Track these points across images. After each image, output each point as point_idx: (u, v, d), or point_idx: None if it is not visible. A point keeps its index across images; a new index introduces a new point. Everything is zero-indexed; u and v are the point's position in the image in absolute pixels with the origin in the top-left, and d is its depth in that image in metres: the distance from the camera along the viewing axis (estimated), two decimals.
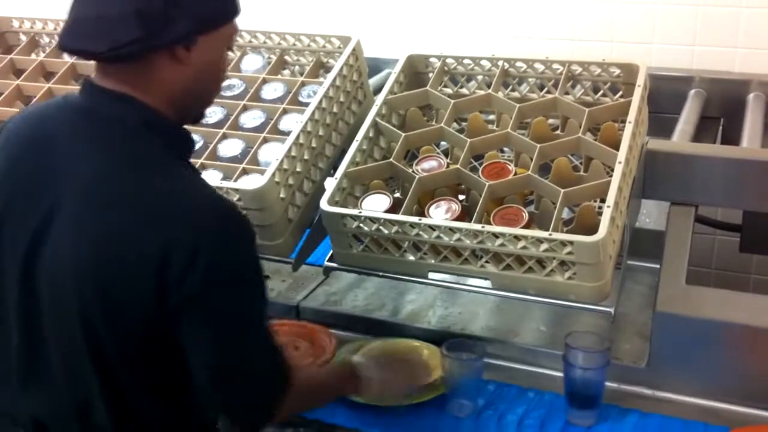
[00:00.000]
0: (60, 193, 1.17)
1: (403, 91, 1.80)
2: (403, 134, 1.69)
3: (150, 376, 1.21)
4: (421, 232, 1.49)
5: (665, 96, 1.93)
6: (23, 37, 2.10)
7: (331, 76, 1.77)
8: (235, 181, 1.63)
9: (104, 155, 1.18)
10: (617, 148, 1.52)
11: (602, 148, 1.57)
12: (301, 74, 1.91)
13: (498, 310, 1.80)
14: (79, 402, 1.20)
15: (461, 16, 2.30)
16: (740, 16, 2.07)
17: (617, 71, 1.71)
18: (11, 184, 1.23)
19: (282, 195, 1.62)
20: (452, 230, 1.46)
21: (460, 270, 1.51)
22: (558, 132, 1.72)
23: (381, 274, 1.60)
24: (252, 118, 1.78)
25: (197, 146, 1.72)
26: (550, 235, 1.40)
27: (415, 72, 1.85)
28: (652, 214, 1.95)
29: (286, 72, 1.96)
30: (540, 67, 1.76)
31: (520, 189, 1.57)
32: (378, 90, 1.83)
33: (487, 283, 1.51)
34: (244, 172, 1.66)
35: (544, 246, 1.41)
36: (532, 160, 1.57)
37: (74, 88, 1.82)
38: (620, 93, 1.72)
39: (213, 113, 1.81)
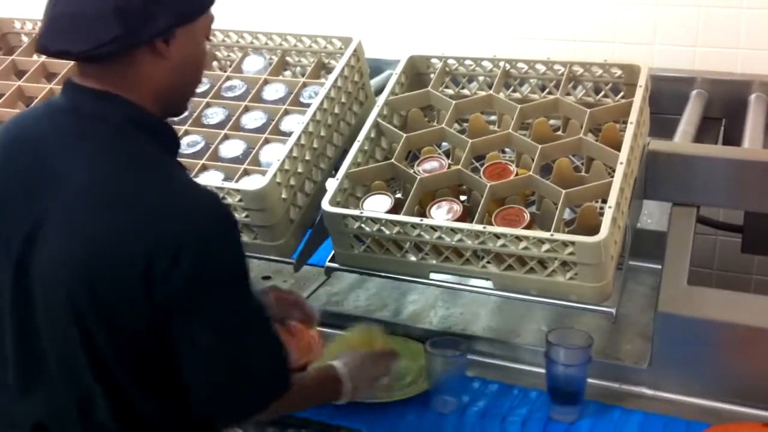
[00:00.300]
0: (54, 194, 1.17)
1: (405, 92, 1.80)
2: (405, 135, 1.69)
3: (148, 374, 1.20)
4: (422, 233, 1.49)
5: (667, 97, 1.93)
6: (25, 39, 2.10)
7: (332, 77, 1.77)
8: (237, 181, 1.63)
9: (98, 154, 1.18)
10: (619, 148, 1.52)
11: (604, 149, 1.57)
12: (303, 75, 1.91)
13: (499, 311, 1.80)
14: (79, 402, 1.20)
15: (463, 16, 2.30)
16: (742, 17, 2.06)
17: (619, 72, 1.71)
18: (2, 186, 1.23)
19: (283, 195, 1.62)
20: (454, 231, 1.46)
21: (461, 270, 1.51)
22: (559, 133, 1.72)
23: (382, 274, 1.60)
24: (253, 119, 1.78)
25: (198, 147, 1.74)
26: (551, 235, 1.40)
27: (417, 73, 1.85)
28: (653, 215, 1.95)
29: (288, 73, 1.96)
30: (541, 67, 1.77)
31: (521, 190, 1.57)
32: (379, 91, 1.83)
33: (488, 284, 1.51)
34: (246, 172, 1.66)
35: (546, 246, 1.41)
36: (533, 160, 1.57)
37: None
38: (622, 94, 1.72)
39: (214, 114, 1.81)
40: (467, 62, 1.82)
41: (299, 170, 1.66)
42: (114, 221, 1.13)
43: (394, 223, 1.50)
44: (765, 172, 1.57)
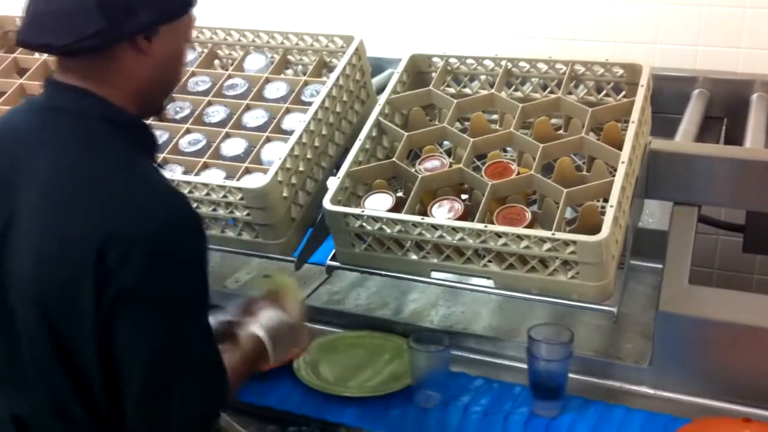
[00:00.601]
0: (22, 192, 1.17)
1: (406, 91, 1.80)
2: (406, 134, 1.69)
3: (109, 374, 1.17)
4: (423, 232, 1.49)
5: (668, 96, 1.93)
6: None
7: (334, 75, 1.77)
8: (238, 180, 1.63)
9: (68, 150, 1.18)
10: (620, 148, 1.52)
11: (605, 148, 1.57)
12: (304, 74, 1.91)
13: (500, 310, 1.80)
14: (53, 400, 1.19)
15: (464, 15, 2.30)
16: (744, 17, 2.06)
17: (620, 71, 1.71)
18: None
19: (285, 194, 1.62)
20: (455, 230, 1.46)
21: (462, 269, 1.51)
22: (561, 132, 1.72)
23: (384, 273, 1.61)
24: (255, 118, 1.78)
25: (200, 145, 1.74)
26: (552, 234, 1.40)
27: (418, 71, 1.85)
28: (655, 214, 1.95)
29: (289, 71, 1.96)
30: (543, 66, 1.77)
31: (522, 189, 1.57)
32: (381, 89, 1.83)
33: (489, 283, 1.51)
34: (247, 171, 1.66)
35: (547, 245, 1.41)
36: (534, 159, 1.57)
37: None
38: (623, 93, 1.72)
39: (216, 112, 1.81)
40: (469, 61, 1.82)
41: (300, 169, 1.66)
42: (70, 216, 1.13)
43: (396, 221, 1.50)
44: (766, 171, 1.57)
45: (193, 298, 1.16)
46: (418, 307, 1.83)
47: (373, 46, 1.91)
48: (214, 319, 1.31)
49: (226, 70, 1.94)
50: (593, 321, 1.72)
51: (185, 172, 1.68)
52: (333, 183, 1.60)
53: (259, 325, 1.37)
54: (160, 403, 1.16)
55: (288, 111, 1.77)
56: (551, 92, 1.75)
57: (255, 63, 1.93)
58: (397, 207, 1.57)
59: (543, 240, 1.41)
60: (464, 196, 1.63)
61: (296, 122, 1.71)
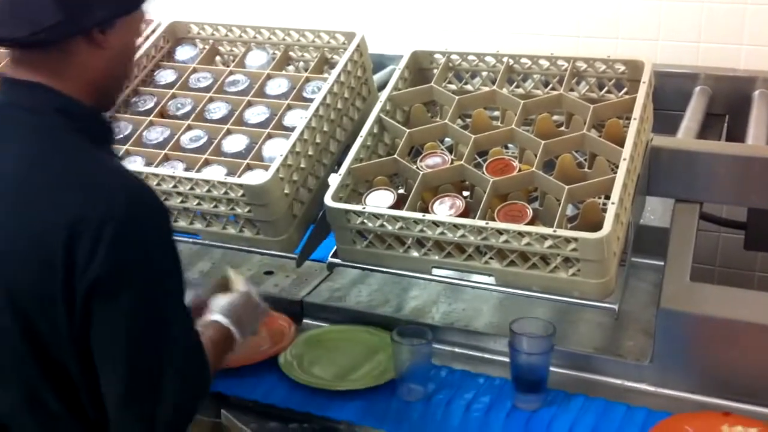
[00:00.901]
0: None
1: (408, 88, 1.80)
2: (408, 130, 1.69)
3: (87, 364, 1.17)
4: (425, 229, 1.49)
5: (670, 93, 1.93)
6: None
7: (335, 72, 1.77)
8: (239, 176, 1.63)
9: (25, 146, 1.18)
10: (622, 144, 1.52)
11: (607, 145, 1.56)
12: (306, 70, 1.90)
13: (502, 307, 1.80)
14: (28, 395, 1.19)
15: (466, 12, 2.30)
16: (746, 13, 2.06)
17: (622, 68, 1.71)
18: None
19: (286, 191, 1.62)
20: (456, 226, 1.46)
21: (464, 266, 1.51)
22: (563, 128, 1.71)
23: (385, 270, 1.61)
24: (256, 114, 1.78)
25: (201, 142, 1.74)
26: (554, 231, 1.40)
27: (420, 68, 1.85)
28: (656, 211, 1.95)
29: (291, 68, 1.95)
30: (545, 63, 1.76)
31: (524, 185, 1.57)
32: (382, 86, 1.83)
33: (491, 280, 1.51)
34: (248, 167, 1.66)
35: (549, 242, 1.41)
36: (536, 156, 1.57)
37: None
38: (625, 90, 1.72)
39: (217, 109, 1.81)
40: (470, 58, 1.82)
41: (302, 165, 1.66)
42: (35, 209, 1.14)
43: (397, 218, 1.50)
44: None
45: (165, 280, 1.17)
46: (419, 304, 1.83)
47: (374, 42, 1.90)
48: None
49: (228, 66, 1.94)
50: (594, 318, 1.72)
51: (187, 169, 1.68)
52: (334, 180, 1.60)
53: (214, 311, 1.38)
54: (147, 395, 1.16)
55: (289, 107, 1.77)
56: (553, 89, 1.75)
57: (256, 59, 1.93)
58: (398, 204, 1.57)
59: (544, 237, 1.41)
60: (465, 193, 1.62)
61: (298, 119, 1.71)
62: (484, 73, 1.81)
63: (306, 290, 1.88)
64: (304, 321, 1.81)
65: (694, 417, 1.44)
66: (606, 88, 1.73)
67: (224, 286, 1.47)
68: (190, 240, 1.76)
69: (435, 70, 1.82)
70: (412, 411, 1.51)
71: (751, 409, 1.47)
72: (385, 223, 1.51)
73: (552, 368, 1.59)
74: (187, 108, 1.83)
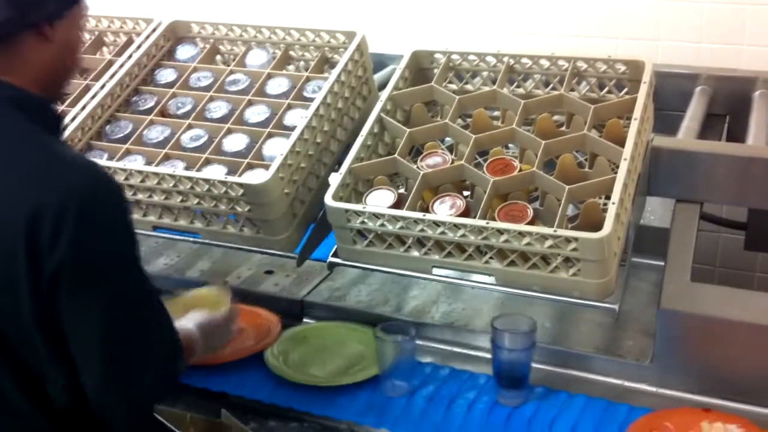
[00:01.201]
0: None
1: (408, 87, 1.80)
2: (408, 130, 1.69)
3: (55, 351, 1.19)
4: (425, 228, 1.49)
5: (671, 93, 1.93)
6: None
7: (335, 71, 1.77)
8: (240, 176, 1.63)
9: None
10: (622, 144, 1.52)
11: (607, 145, 1.56)
12: (306, 69, 1.90)
13: (502, 307, 1.80)
14: None
15: (466, 12, 2.30)
16: (746, 13, 2.06)
17: (623, 68, 1.71)
18: None
19: (286, 190, 1.62)
20: (457, 226, 1.46)
21: (464, 266, 1.51)
22: (563, 128, 1.71)
23: (385, 269, 1.60)
24: (256, 113, 1.78)
25: (201, 141, 1.74)
26: (554, 231, 1.40)
27: (420, 68, 1.85)
28: (656, 212, 1.95)
29: (291, 67, 1.95)
30: (545, 63, 1.76)
31: (524, 185, 1.57)
32: (383, 86, 1.83)
33: (491, 279, 1.51)
34: (249, 167, 1.66)
35: (549, 242, 1.41)
36: (537, 156, 1.57)
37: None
38: (626, 90, 1.72)
39: (218, 108, 1.81)
40: (471, 57, 1.82)
41: (302, 165, 1.66)
42: None
43: (397, 218, 1.50)
44: None
45: (130, 256, 1.20)
46: (419, 303, 1.83)
47: (375, 42, 1.90)
48: None
49: (228, 65, 1.94)
50: (594, 318, 1.72)
51: (187, 168, 1.68)
52: (335, 179, 1.60)
53: (190, 320, 1.41)
54: (125, 373, 1.19)
55: (290, 107, 1.77)
56: (553, 89, 1.75)
57: (257, 59, 1.93)
58: (398, 203, 1.57)
59: (545, 237, 1.41)
60: (466, 193, 1.62)
61: (298, 118, 1.71)
62: (485, 73, 1.81)
63: (306, 289, 1.88)
64: (304, 320, 1.81)
65: (674, 413, 1.45)
66: (607, 88, 1.73)
67: (207, 300, 1.50)
68: (191, 239, 1.76)
69: (435, 70, 1.82)
70: (395, 406, 1.52)
71: (751, 410, 1.47)
72: (385, 222, 1.51)
73: (552, 368, 1.60)
74: (188, 107, 1.83)
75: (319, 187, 1.70)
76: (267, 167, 1.61)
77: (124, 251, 1.19)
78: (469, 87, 1.82)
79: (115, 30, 2.08)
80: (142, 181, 1.65)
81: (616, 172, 1.49)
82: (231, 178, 1.60)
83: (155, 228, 1.73)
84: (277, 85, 1.84)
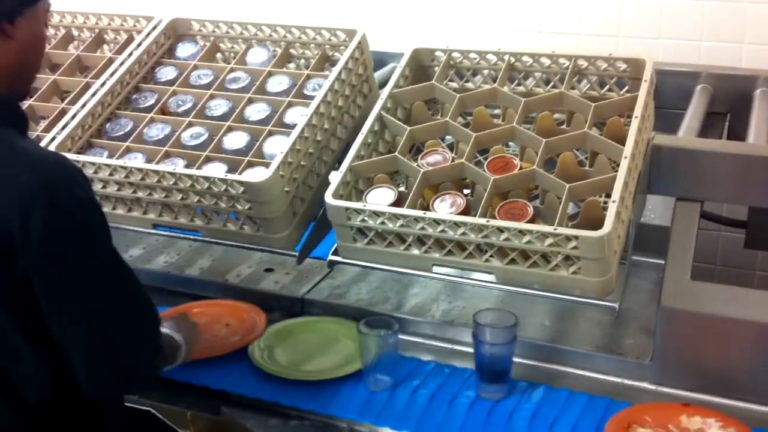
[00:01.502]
0: None
1: (409, 85, 1.79)
2: (408, 128, 1.68)
3: (30, 346, 1.22)
4: (425, 226, 1.49)
5: (671, 91, 1.93)
6: (52, 30, 2.10)
7: (336, 69, 1.76)
8: (240, 173, 1.63)
9: None
10: (623, 143, 1.52)
11: (608, 143, 1.56)
12: (307, 67, 1.90)
13: (502, 305, 1.79)
14: None
15: (467, 9, 2.30)
16: (747, 12, 2.06)
17: (624, 66, 1.71)
18: None
19: (286, 188, 1.62)
20: (457, 224, 1.46)
21: (464, 264, 1.51)
22: (564, 126, 1.71)
23: (385, 267, 1.60)
24: (257, 111, 1.78)
25: (202, 139, 1.74)
26: (555, 229, 1.40)
27: (421, 66, 1.85)
28: (657, 210, 1.95)
29: (292, 65, 1.95)
30: (546, 61, 1.76)
31: (525, 183, 1.57)
32: (383, 84, 1.83)
33: (491, 278, 1.51)
34: (249, 164, 1.66)
35: (549, 241, 1.41)
36: (537, 154, 1.57)
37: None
38: (626, 88, 1.71)
39: (218, 106, 1.81)
40: (471, 55, 1.82)
41: (302, 163, 1.66)
42: None
43: (398, 216, 1.50)
44: None
45: (100, 239, 1.22)
46: (420, 301, 1.83)
47: (375, 39, 1.90)
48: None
49: (229, 63, 1.94)
50: (595, 316, 1.72)
51: (187, 166, 1.68)
52: (335, 177, 1.60)
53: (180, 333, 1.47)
54: (109, 349, 1.22)
55: (290, 105, 1.77)
56: (554, 87, 1.75)
57: (257, 56, 1.93)
58: (399, 202, 1.56)
59: (545, 235, 1.41)
60: (466, 191, 1.62)
61: (298, 116, 1.71)
62: (486, 71, 1.81)
63: (306, 288, 1.88)
64: None
65: (653, 407, 1.46)
66: (607, 86, 1.73)
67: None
68: (191, 237, 1.76)
69: (436, 68, 1.82)
70: (378, 401, 1.53)
71: (752, 408, 1.47)
72: (385, 220, 1.51)
73: (553, 366, 1.60)
74: (188, 105, 1.83)
75: (319, 185, 1.70)
76: (267, 165, 1.61)
77: (95, 237, 1.21)
78: (469, 85, 1.82)
79: (115, 28, 2.08)
80: (143, 178, 1.65)
81: (616, 171, 1.49)
82: (231, 176, 1.60)
83: (155, 226, 1.73)
84: (278, 83, 1.84)
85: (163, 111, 1.84)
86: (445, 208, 1.53)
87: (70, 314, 1.20)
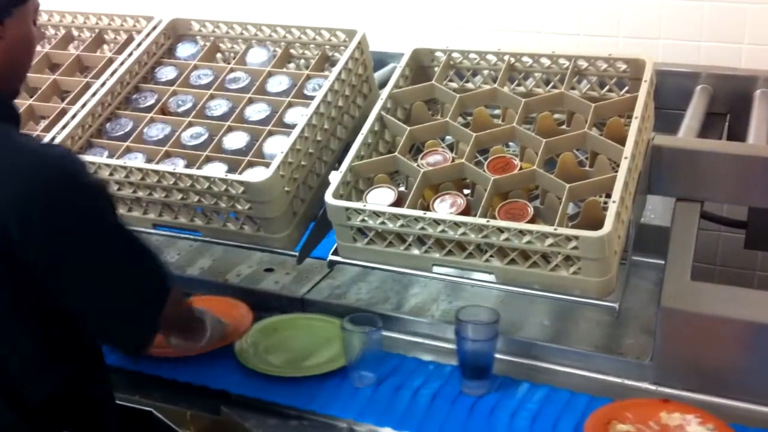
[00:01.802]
0: None
1: (409, 85, 1.79)
2: (408, 128, 1.68)
3: (34, 343, 1.24)
4: (425, 226, 1.49)
5: (671, 91, 1.93)
6: (55, 31, 2.10)
7: (336, 69, 1.76)
8: (240, 173, 1.63)
9: None
10: (623, 143, 1.52)
11: (608, 144, 1.56)
12: (307, 67, 1.90)
13: (502, 305, 1.80)
14: None
15: (467, 10, 2.30)
16: (747, 12, 2.06)
17: (624, 66, 1.71)
18: None
19: (287, 188, 1.62)
20: (457, 224, 1.46)
21: (464, 264, 1.51)
22: (564, 127, 1.71)
23: (385, 267, 1.60)
24: (257, 111, 1.78)
25: (202, 139, 1.74)
26: (555, 230, 1.40)
27: (421, 66, 1.85)
28: (657, 210, 1.95)
29: (292, 65, 1.95)
30: (546, 61, 1.76)
31: (525, 184, 1.57)
32: (383, 84, 1.83)
33: (491, 278, 1.51)
34: (249, 164, 1.66)
35: (549, 241, 1.41)
36: (537, 154, 1.57)
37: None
38: (626, 88, 1.71)
39: (218, 106, 1.81)
40: (472, 56, 1.82)
41: (303, 163, 1.66)
42: None
43: (398, 216, 1.50)
44: None
45: (103, 220, 1.26)
46: (420, 301, 1.83)
47: (375, 40, 1.90)
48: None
49: (229, 63, 1.94)
50: (595, 317, 1.72)
51: (187, 166, 1.68)
52: (335, 177, 1.60)
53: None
54: (123, 306, 1.28)
55: (290, 105, 1.77)
56: (554, 87, 1.75)
57: (257, 57, 1.93)
58: (399, 202, 1.56)
59: (545, 235, 1.41)
60: (466, 191, 1.62)
61: (298, 116, 1.71)
62: (486, 71, 1.81)
63: (306, 287, 1.88)
64: None
65: (634, 404, 1.47)
66: (607, 87, 1.73)
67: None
68: (191, 237, 1.76)
69: (436, 68, 1.82)
70: (361, 397, 1.54)
71: (751, 408, 1.47)
72: (385, 220, 1.51)
73: (554, 366, 1.60)
74: (188, 105, 1.83)
75: (319, 185, 1.70)
76: (267, 165, 1.61)
77: (97, 218, 1.24)
78: (469, 85, 1.82)
79: (115, 28, 2.08)
80: (143, 178, 1.65)
81: (616, 171, 1.49)
82: (231, 176, 1.60)
83: (155, 226, 1.73)
84: (278, 83, 1.84)
85: (163, 111, 1.84)
86: (445, 208, 1.53)
87: (87, 289, 1.24)
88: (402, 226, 1.50)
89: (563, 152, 1.59)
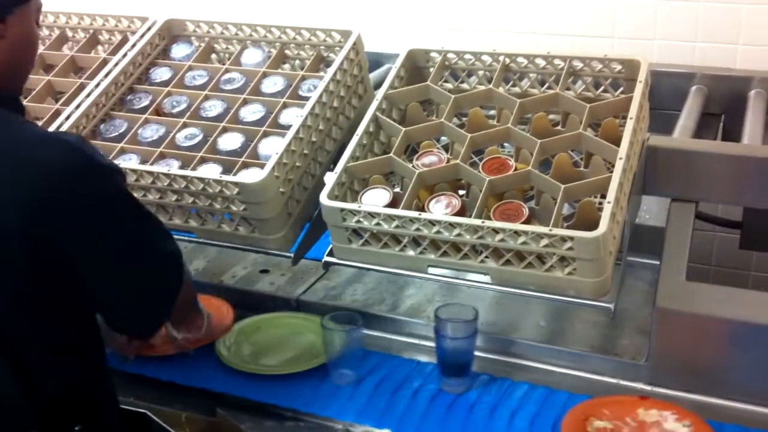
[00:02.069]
0: None
1: (404, 86, 1.79)
2: (404, 129, 1.68)
3: (53, 337, 1.24)
4: (420, 227, 1.49)
5: (666, 92, 1.93)
6: (49, 32, 2.09)
7: (331, 70, 1.76)
8: (235, 175, 1.63)
9: None
10: (618, 143, 1.52)
11: (603, 144, 1.56)
12: (302, 68, 1.90)
13: (498, 306, 1.80)
14: None
15: (462, 10, 2.30)
16: (742, 13, 2.06)
17: (619, 67, 1.71)
18: None
19: (282, 189, 1.61)
20: (452, 225, 1.46)
21: (459, 265, 1.51)
22: (559, 127, 1.71)
23: (380, 268, 1.60)
24: (252, 112, 1.78)
25: (196, 140, 1.74)
26: (550, 230, 1.40)
27: (416, 67, 1.85)
28: (652, 211, 1.95)
29: (287, 66, 1.95)
30: (541, 62, 1.76)
31: (520, 184, 1.57)
32: (378, 84, 1.83)
33: (486, 279, 1.51)
34: (244, 165, 1.65)
35: (545, 241, 1.41)
36: (532, 155, 1.57)
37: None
38: (621, 89, 1.72)
39: (213, 107, 1.81)
40: (467, 56, 1.82)
41: (297, 164, 1.66)
42: None
43: (393, 217, 1.50)
44: (764, 168, 1.56)
45: (127, 205, 1.29)
46: (415, 302, 1.83)
47: (370, 40, 1.90)
48: None
49: (223, 64, 1.93)
50: (590, 317, 1.72)
51: (182, 167, 1.68)
52: (330, 178, 1.60)
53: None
54: (144, 287, 1.32)
55: (285, 106, 1.76)
56: (549, 88, 1.75)
57: (252, 57, 1.92)
58: (394, 202, 1.56)
59: (540, 236, 1.41)
60: (461, 192, 1.62)
61: (293, 117, 1.71)
62: (481, 72, 1.81)
63: (301, 289, 1.88)
64: None
65: (611, 401, 1.48)
66: (602, 87, 1.73)
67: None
68: (186, 238, 1.75)
69: (431, 69, 1.82)
70: (341, 395, 1.54)
71: (748, 409, 1.47)
72: (380, 221, 1.51)
73: (549, 367, 1.60)
74: (183, 106, 1.83)
75: (314, 186, 1.70)
76: (262, 166, 1.60)
77: (120, 203, 1.27)
78: (464, 86, 1.82)
79: (109, 28, 2.08)
80: (137, 180, 1.65)
81: (611, 171, 1.49)
82: (226, 177, 1.59)
83: None
84: (273, 84, 1.83)
85: (158, 112, 1.84)
86: (440, 209, 1.53)
87: (112, 272, 1.26)
88: (397, 227, 1.50)
89: (558, 153, 1.59)
